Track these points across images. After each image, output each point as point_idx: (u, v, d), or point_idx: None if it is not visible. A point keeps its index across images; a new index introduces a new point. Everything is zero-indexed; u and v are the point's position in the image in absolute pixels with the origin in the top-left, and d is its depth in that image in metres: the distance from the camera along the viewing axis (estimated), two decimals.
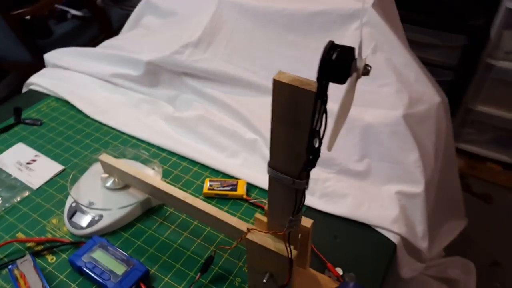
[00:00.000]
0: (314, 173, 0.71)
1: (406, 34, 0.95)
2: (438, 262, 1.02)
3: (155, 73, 0.88)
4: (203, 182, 0.70)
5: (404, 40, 0.89)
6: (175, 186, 0.69)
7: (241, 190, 0.68)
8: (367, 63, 0.31)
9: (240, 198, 0.68)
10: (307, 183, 0.41)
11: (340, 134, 0.72)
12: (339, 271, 0.58)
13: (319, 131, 0.36)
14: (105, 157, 0.62)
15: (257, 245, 0.48)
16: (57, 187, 0.66)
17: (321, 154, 0.71)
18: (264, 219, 0.51)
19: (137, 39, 1.02)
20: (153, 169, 0.68)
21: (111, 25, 1.88)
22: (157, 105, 0.86)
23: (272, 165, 0.41)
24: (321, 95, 0.33)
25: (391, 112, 0.69)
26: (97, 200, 0.61)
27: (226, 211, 0.65)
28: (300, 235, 0.50)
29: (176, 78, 0.87)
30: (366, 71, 0.31)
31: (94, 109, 0.84)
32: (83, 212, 0.60)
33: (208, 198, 0.67)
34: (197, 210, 0.55)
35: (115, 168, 0.61)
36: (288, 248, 0.46)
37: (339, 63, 0.31)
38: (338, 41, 0.90)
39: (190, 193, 0.68)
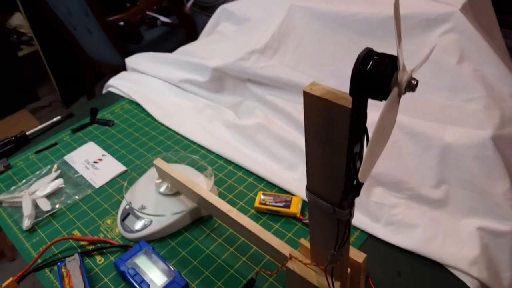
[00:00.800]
0: (380, 196, 0.63)
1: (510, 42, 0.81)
2: None
3: (220, 79, 0.87)
4: (256, 194, 0.66)
5: (502, 50, 0.75)
6: (227, 196, 0.67)
7: (294, 208, 0.63)
8: (413, 76, 0.25)
9: (293, 217, 0.63)
10: (350, 214, 0.35)
11: (414, 153, 0.64)
12: None
13: (360, 153, 0.30)
14: (158, 162, 0.62)
15: (298, 276, 0.43)
16: (117, 188, 0.69)
17: (390, 176, 0.63)
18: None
19: (209, 45, 1.02)
20: (206, 176, 0.67)
21: (196, 31, 1.96)
22: (220, 111, 0.85)
23: (310, 188, 0.36)
24: (359, 112, 0.27)
25: (477, 132, 0.58)
26: (149, 205, 0.61)
27: (277, 230, 0.61)
28: (349, 270, 0.44)
29: (240, 84, 0.85)
30: (411, 86, 0.25)
31: (162, 113, 0.86)
32: (135, 215, 0.61)
33: (259, 213, 0.64)
34: (240, 225, 0.52)
35: (167, 173, 0.60)
36: (331, 286, 0.40)
37: (375, 75, 0.25)
38: (417, 49, 0.79)
39: (241, 206, 0.65)
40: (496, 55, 0.62)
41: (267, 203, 0.64)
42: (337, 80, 0.76)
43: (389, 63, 0.25)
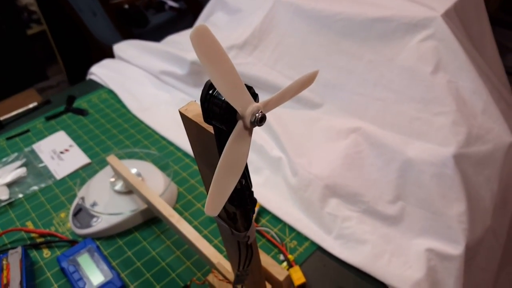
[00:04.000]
0: (335, 208, 0.61)
1: None
2: None
3: (199, 74, 0.85)
4: None
5: (491, 59, 0.70)
6: (186, 196, 0.66)
7: None
8: (262, 110, 0.23)
9: None
10: (247, 237, 0.33)
11: (376, 166, 0.62)
12: None
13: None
14: (112, 159, 0.61)
15: None
16: (78, 181, 0.68)
17: (348, 187, 0.61)
18: None
19: None
20: (165, 175, 0.66)
21: None
22: None
23: None
24: (221, 139, 0.25)
25: (440, 148, 0.55)
26: (101, 202, 0.61)
27: None
28: (271, 286, 0.42)
29: None
30: (255, 120, 0.23)
31: (137, 105, 0.85)
32: (87, 211, 0.61)
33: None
34: (179, 231, 0.51)
35: (117, 171, 0.60)
36: None
37: (217, 104, 0.23)
38: (395, 55, 0.75)
39: (198, 208, 0.64)
40: (474, 67, 0.58)
41: None
42: (316, 85, 0.73)
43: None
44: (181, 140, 0.76)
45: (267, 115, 0.79)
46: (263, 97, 0.87)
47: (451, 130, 0.55)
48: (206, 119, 0.25)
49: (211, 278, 0.43)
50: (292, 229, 0.60)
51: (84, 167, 0.71)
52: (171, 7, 2.01)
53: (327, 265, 0.55)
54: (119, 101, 0.87)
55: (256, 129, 0.75)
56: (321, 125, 0.70)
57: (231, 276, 0.44)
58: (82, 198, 0.62)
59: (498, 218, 0.58)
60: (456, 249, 0.51)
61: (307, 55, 0.76)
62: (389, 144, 0.60)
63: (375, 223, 0.57)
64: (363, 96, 0.67)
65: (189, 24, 1.98)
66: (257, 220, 0.61)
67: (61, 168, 0.70)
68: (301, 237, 0.59)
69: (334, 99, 0.71)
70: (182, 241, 0.59)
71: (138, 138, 0.78)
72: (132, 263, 0.56)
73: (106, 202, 0.61)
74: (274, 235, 0.59)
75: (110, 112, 0.84)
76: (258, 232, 0.60)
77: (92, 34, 1.89)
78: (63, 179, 0.69)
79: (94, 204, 0.60)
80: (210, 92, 0.24)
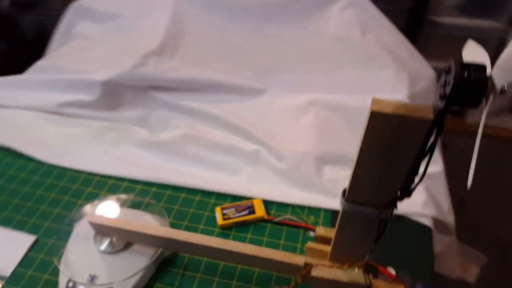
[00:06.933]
0: (331, 173, 0.64)
1: None
2: None
3: (114, 94, 0.73)
4: (212, 211, 0.60)
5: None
6: (182, 224, 0.58)
7: (260, 211, 0.59)
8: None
9: (261, 220, 0.59)
10: (392, 210, 0.35)
11: (346, 126, 0.67)
12: (391, 271, 0.53)
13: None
14: (94, 217, 0.49)
15: (327, 280, 0.41)
16: (38, 265, 0.52)
17: (333, 152, 0.65)
18: (318, 246, 0.44)
19: (79, 55, 0.85)
20: (155, 213, 0.56)
21: (22, 35, 1.62)
22: (126, 131, 0.72)
23: (351, 199, 0.35)
24: (439, 124, 0.27)
25: (394, 95, 0.65)
26: (99, 272, 0.48)
27: (250, 239, 0.57)
28: None
29: (141, 94, 0.74)
30: (502, 91, 0.25)
31: (47, 152, 0.68)
32: None
33: (225, 229, 0.58)
34: (233, 253, 0.45)
35: (112, 228, 0.48)
36: (368, 278, 0.40)
37: (475, 84, 0.25)
38: (322, 28, 0.82)
39: (203, 229, 0.58)
40: (390, 22, 0.69)
41: (231, 216, 0.58)
42: (250, 71, 0.73)
43: (484, 71, 0.26)
44: (132, 170, 0.64)
45: (224, 114, 0.77)
46: (205, 99, 0.85)
47: (396, 78, 0.65)
48: (451, 102, 0.25)
49: (315, 272, 0.41)
50: (302, 207, 0.61)
51: (33, 247, 0.54)
52: None
53: None
54: (17, 155, 0.68)
55: (217, 132, 0.71)
56: (277, 107, 0.71)
57: (326, 258, 0.42)
58: (72, 281, 0.48)
59: None
60: (437, 167, 0.63)
61: (232, 45, 0.75)
62: (349, 105, 0.66)
63: None
64: (305, 71, 0.71)
65: (5, 46, 1.62)
66: (269, 214, 0.60)
67: (1, 262, 0.52)
68: (314, 210, 0.60)
69: (276, 81, 0.73)
70: (213, 265, 0.52)
71: (76, 188, 0.63)
72: None
73: (105, 269, 0.49)
74: (293, 218, 0.59)
75: (16, 173, 0.65)
76: (279, 223, 0.58)
77: None
78: (15, 272, 0.51)
79: (93, 278, 0.48)
80: (466, 75, 0.25)
